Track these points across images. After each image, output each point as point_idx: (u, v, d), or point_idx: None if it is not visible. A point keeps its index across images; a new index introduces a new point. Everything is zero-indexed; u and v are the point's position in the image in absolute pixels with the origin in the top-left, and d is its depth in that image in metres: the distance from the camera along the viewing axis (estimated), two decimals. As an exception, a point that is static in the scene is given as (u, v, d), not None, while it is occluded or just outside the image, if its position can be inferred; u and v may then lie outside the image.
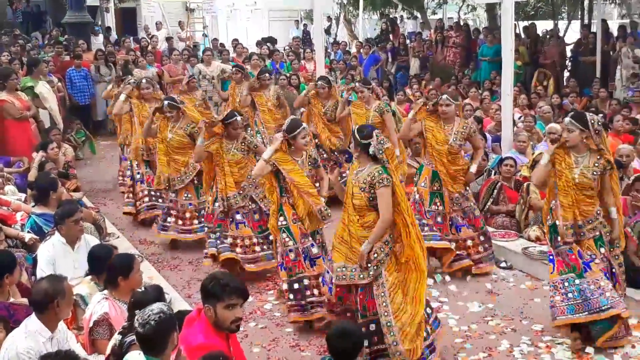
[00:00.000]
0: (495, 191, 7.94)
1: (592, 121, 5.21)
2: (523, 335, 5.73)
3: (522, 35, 16.05)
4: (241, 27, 24.97)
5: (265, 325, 6.00)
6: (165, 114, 7.70)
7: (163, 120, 7.76)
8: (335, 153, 9.23)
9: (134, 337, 4.01)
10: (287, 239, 5.73)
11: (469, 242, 6.87)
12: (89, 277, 5.06)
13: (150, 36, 17.20)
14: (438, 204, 6.79)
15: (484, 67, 14.89)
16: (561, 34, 16.24)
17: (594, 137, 5.20)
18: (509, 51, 8.74)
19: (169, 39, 16.70)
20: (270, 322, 6.04)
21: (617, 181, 5.43)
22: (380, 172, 4.88)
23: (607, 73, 13.90)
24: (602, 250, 5.34)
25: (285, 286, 5.75)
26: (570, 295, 5.30)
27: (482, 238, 6.92)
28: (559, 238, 5.36)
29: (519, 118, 10.82)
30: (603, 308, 5.18)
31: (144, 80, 9.00)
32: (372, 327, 4.99)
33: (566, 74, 15.49)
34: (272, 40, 16.59)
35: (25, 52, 13.76)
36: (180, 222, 7.70)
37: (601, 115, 10.18)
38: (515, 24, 15.95)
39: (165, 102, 7.70)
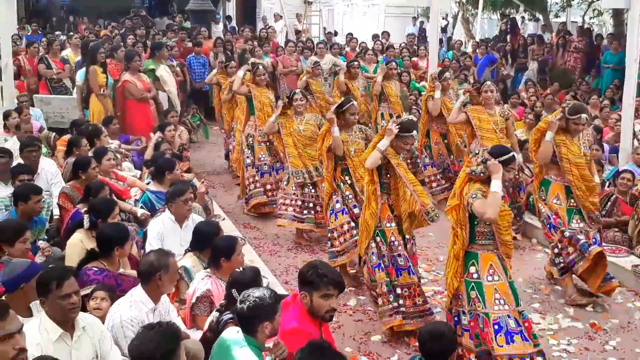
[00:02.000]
0: (609, 204, 7.59)
1: None
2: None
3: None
4: (357, 22, 25.03)
5: (360, 318, 6.01)
6: (291, 107, 7.82)
7: (283, 117, 7.83)
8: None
9: (230, 315, 4.15)
10: (380, 243, 5.62)
11: None
12: (191, 252, 5.22)
13: (267, 27, 17.55)
14: (577, 220, 6.36)
15: (607, 74, 14.24)
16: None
17: None
18: (633, 60, 8.32)
19: (297, 32, 16.93)
20: (364, 316, 6.05)
21: None
22: None
23: None
24: None
25: (384, 288, 5.55)
26: None
27: None
28: None
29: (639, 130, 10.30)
30: None
31: (260, 67, 9.19)
32: None
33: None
34: (386, 36, 16.52)
35: (150, 36, 14.37)
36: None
37: None
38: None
39: (297, 91, 7.95)
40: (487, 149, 4.86)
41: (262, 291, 3.76)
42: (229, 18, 20.47)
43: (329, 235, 6.66)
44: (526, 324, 4.70)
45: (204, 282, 4.75)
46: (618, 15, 17.76)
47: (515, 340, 4.58)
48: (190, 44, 13.98)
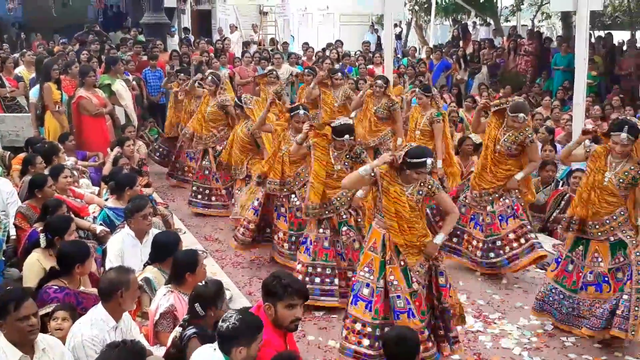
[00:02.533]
0: (563, 202, 7.79)
1: None
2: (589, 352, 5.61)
3: (597, 46, 15.63)
4: (313, 31, 25.19)
5: (325, 326, 6.04)
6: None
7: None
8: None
9: (194, 329, 4.15)
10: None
11: (474, 242, 7.00)
12: (151, 265, 5.19)
13: (223, 38, 17.54)
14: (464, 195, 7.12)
15: (557, 76, 14.61)
16: (639, 45, 15.72)
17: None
18: (582, 60, 8.56)
19: (246, 44, 17.00)
20: (328, 324, 6.09)
21: None
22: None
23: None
24: (621, 254, 5.39)
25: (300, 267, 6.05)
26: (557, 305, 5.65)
27: (485, 246, 6.89)
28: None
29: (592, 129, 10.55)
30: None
31: (209, 77, 9.36)
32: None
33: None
34: (339, 44, 16.67)
35: (105, 50, 14.24)
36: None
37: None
38: (590, 34, 15.62)
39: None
40: (406, 147, 5.04)
41: (245, 316, 3.74)
42: (186, 30, 20.39)
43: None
44: (417, 303, 4.93)
45: (166, 297, 4.71)
46: (566, 17, 18.23)
47: (358, 305, 5.04)
48: (145, 58, 13.90)
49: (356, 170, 5.15)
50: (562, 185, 8.32)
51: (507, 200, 6.81)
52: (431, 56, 16.23)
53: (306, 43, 17.30)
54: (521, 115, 6.52)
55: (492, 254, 6.82)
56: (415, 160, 4.82)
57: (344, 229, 6.16)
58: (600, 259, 5.47)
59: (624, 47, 15.82)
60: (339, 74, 10.34)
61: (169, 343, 4.33)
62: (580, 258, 5.60)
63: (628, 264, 5.35)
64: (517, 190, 6.85)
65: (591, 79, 12.93)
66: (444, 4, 21.12)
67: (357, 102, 9.61)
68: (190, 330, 4.16)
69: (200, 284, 4.39)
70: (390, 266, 4.98)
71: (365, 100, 9.41)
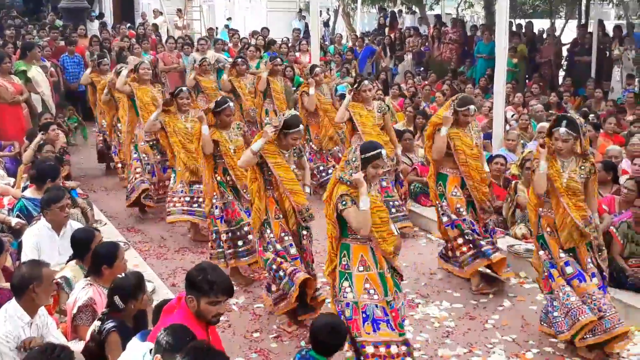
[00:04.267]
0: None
1: (581, 124, 5.20)
2: (509, 333, 5.75)
3: (518, 34, 16.04)
4: (239, 17, 24.92)
5: (250, 318, 6.00)
6: (174, 104, 7.71)
7: (167, 114, 7.69)
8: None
9: (113, 323, 4.04)
10: (270, 234, 5.65)
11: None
12: (73, 261, 5.06)
13: (144, 23, 17.15)
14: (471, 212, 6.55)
15: (480, 64, 14.91)
16: (557, 33, 16.23)
17: (583, 141, 5.19)
18: (502, 49, 8.74)
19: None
20: (252, 315, 6.05)
21: (596, 185, 5.40)
22: None
23: (602, 73, 13.92)
24: (590, 253, 5.34)
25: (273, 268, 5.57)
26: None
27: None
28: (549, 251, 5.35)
29: (512, 116, 10.85)
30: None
31: (144, 62, 9.02)
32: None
33: (562, 73, 15.51)
34: (265, 32, 16.55)
35: (20, 36, 13.71)
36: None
37: (593, 115, 10.24)
38: (511, 22, 16.02)
39: (183, 88, 7.82)
40: (360, 144, 4.88)
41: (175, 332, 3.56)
42: (101, 15, 19.81)
43: (215, 236, 6.66)
44: (393, 314, 4.78)
45: (85, 290, 4.58)
46: (489, 6, 18.62)
47: (381, 327, 4.70)
48: (63, 43, 13.44)
49: (360, 210, 4.61)
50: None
51: None
52: (356, 43, 16.31)
53: (232, 29, 17.09)
54: (472, 107, 6.42)
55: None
56: (370, 153, 4.69)
57: (304, 232, 5.80)
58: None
59: (544, 36, 16.30)
60: (278, 59, 10.32)
61: (87, 337, 4.21)
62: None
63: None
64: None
65: (512, 66, 13.27)
66: (370, -9, 21.27)
67: (310, 101, 9.28)
68: (110, 324, 4.06)
69: (119, 275, 4.28)
70: (387, 276, 4.86)
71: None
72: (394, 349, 4.71)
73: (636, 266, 6.00)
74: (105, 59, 10.52)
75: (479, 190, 6.45)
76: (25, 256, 5.33)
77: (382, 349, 4.70)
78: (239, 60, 10.60)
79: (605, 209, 6.58)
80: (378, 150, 4.72)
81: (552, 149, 5.25)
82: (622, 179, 7.27)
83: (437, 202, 6.59)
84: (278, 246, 5.60)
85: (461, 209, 6.41)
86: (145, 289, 4.41)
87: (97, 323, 4.15)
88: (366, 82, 7.85)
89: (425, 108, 11.57)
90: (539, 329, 5.62)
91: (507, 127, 9.74)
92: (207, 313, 3.81)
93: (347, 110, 7.78)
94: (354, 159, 4.68)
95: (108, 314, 4.14)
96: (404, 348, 4.76)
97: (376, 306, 4.74)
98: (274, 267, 5.57)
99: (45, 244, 5.51)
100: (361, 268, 4.77)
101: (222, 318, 4.12)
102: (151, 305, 4.67)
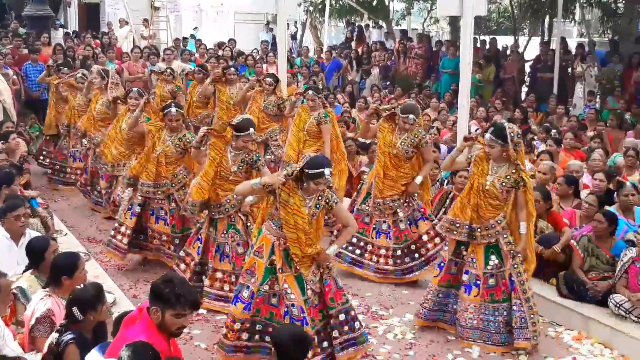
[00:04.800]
0: (448, 201, 8.02)
1: (512, 134, 5.35)
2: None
3: (482, 50, 16.27)
4: (207, 29, 24.85)
5: (213, 329, 5.93)
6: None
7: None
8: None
9: (71, 335, 3.96)
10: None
11: (382, 251, 6.99)
12: (29, 271, 4.97)
13: (109, 32, 17.02)
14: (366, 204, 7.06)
15: (445, 79, 15.07)
16: (521, 50, 16.51)
17: (511, 151, 5.35)
18: (467, 64, 8.82)
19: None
20: (215, 327, 5.98)
21: (532, 198, 5.54)
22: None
23: (564, 90, 14.18)
24: (494, 259, 5.56)
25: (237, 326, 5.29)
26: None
27: (398, 252, 6.96)
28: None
29: (476, 130, 10.96)
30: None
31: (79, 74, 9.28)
32: (342, 316, 5.05)
33: (525, 89, 15.76)
34: (232, 43, 16.54)
35: (-17, 43, 13.49)
36: None
37: (555, 131, 10.41)
38: (476, 38, 16.25)
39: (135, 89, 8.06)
40: (310, 156, 4.96)
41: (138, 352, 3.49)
42: (63, 26, 19.61)
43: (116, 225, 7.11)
44: (310, 315, 4.93)
45: (43, 301, 4.50)
46: (454, 22, 18.89)
47: (237, 305, 5.05)
48: (26, 51, 13.24)
49: (248, 181, 5.18)
50: (446, 184, 8.57)
51: (412, 204, 6.94)
52: (322, 55, 16.36)
53: (199, 40, 17.03)
54: (411, 116, 6.67)
55: (407, 259, 6.93)
56: (313, 170, 4.78)
57: (231, 231, 6.07)
58: (475, 261, 5.61)
59: (508, 52, 16.56)
60: (232, 69, 10.22)
61: (45, 349, 4.12)
62: (465, 259, 5.71)
63: (503, 272, 5.56)
64: (417, 193, 6.99)
65: (476, 81, 13.44)
66: (337, 5, 21.38)
67: (242, 95, 9.60)
68: (68, 336, 3.99)
69: (78, 287, 4.20)
70: (283, 274, 4.94)
71: (253, 96, 9.34)
72: (237, 325, 5.06)
73: (596, 279, 6.10)
74: (65, 69, 10.43)
75: (381, 188, 6.88)
76: (-18, 266, 5.22)
77: (235, 324, 5.05)
78: (197, 69, 10.66)
79: (566, 223, 6.69)
80: (321, 171, 4.78)
81: (485, 151, 5.53)
82: (583, 194, 7.40)
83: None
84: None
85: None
86: (105, 300, 4.35)
87: (55, 335, 4.07)
88: (311, 92, 8.22)
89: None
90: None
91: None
92: (171, 325, 3.76)
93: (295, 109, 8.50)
94: (298, 168, 4.85)
95: (66, 326, 4.06)
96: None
97: (247, 288, 5.02)
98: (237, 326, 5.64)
99: (3, 253, 5.45)
100: (256, 253, 5.05)
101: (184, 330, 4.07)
102: (111, 317, 4.60)
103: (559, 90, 13.82)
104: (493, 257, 5.57)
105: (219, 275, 6.11)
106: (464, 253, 5.70)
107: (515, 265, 5.52)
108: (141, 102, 7.48)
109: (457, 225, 5.63)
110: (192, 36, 19.51)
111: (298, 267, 4.95)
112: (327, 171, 4.79)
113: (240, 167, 5.94)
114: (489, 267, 5.58)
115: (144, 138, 7.44)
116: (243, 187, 5.17)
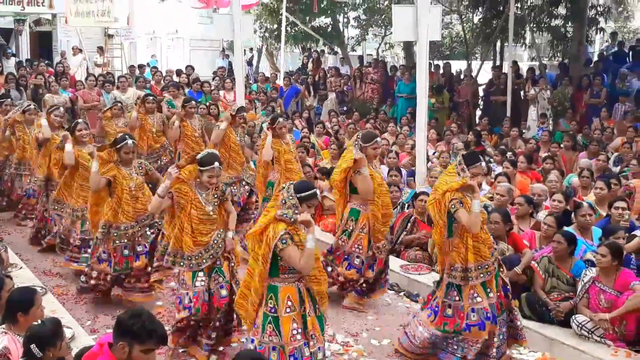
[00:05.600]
0: (410, 224, 8.06)
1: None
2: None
3: (436, 74, 16.51)
4: (162, 55, 24.71)
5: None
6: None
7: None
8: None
9: (29, 374, 3.82)
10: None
11: None
12: (-17, 309, 4.79)
13: (62, 61, 16.80)
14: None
15: (401, 103, 15.25)
16: (474, 74, 16.82)
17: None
18: (423, 88, 8.96)
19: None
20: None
21: None
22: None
23: (517, 112, 14.46)
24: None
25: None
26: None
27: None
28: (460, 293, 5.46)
29: (433, 153, 11.10)
30: None
31: (60, 109, 8.91)
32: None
33: (478, 112, 16.03)
34: (189, 70, 16.47)
35: None
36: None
37: (511, 153, 10.59)
38: (430, 63, 16.52)
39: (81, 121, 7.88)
40: (292, 184, 4.78)
41: None
42: (15, 55, 19.30)
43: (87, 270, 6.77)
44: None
45: (-1, 339, 4.34)
46: (408, 47, 19.15)
47: None
48: (-24, 81, 12.98)
49: (302, 251, 4.58)
50: (407, 208, 8.61)
51: None
52: (281, 82, 16.42)
53: (154, 67, 16.93)
54: (378, 139, 6.67)
55: None
56: (305, 193, 4.66)
57: (214, 274, 5.66)
58: (477, 295, 5.40)
59: (462, 76, 16.85)
60: (192, 102, 10.03)
61: (1, 390, 3.97)
62: (458, 299, 5.48)
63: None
64: None
65: (431, 105, 13.63)
66: (293, 32, 21.51)
67: (217, 134, 8.92)
68: (26, 375, 3.84)
69: (35, 323, 4.06)
70: (309, 318, 4.76)
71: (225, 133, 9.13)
72: None
73: (558, 299, 6.16)
74: (7, 100, 10.23)
75: (378, 229, 6.63)
76: None
77: None
78: (150, 98, 10.48)
79: (526, 244, 6.76)
80: (313, 191, 4.72)
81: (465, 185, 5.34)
82: (541, 215, 7.51)
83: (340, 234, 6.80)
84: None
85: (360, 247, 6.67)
86: (63, 336, 4.21)
87: (12, 374, 3.92)
88: (281, 119, 8.27)
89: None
90: None
91: (430, 164, 9.94)
92: None
93: (271, 149, 7.95)
94: (290, 198, 4.64)
95: (24, 364, 3.92)
96: None
97: (305, 344, 4.69)
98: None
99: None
100: (288, 310, 4.69)
101: None
102: (70, 353, 4.46)
103: (513, 112, 14.10)
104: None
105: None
106: (455, 292, 5.50)
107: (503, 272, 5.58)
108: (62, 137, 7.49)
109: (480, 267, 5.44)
110: (148, 64, 19.36)
111: (318, 306, 4.84)
112: (317, 191, 4.79)
113: (215, 204, 5.67)
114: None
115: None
116: (307, 256, 4.59)
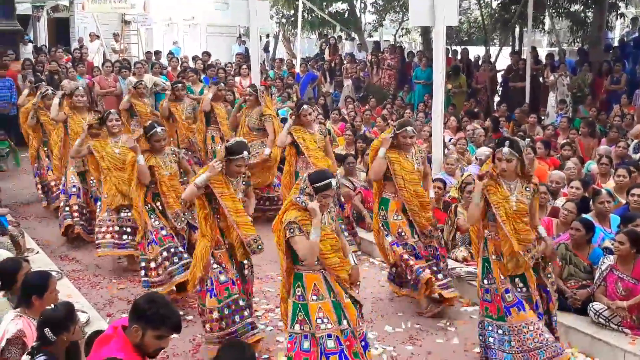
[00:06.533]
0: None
1: (523, 147, 5.25)
2: (452, 358, 5.72)
3: (454, 60, 16.38)
4: (179, 41, 24.73)
5: (190, 348, 5.81)
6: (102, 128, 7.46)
7: (95, 139, 7.45)
8: None
9: (44, 357, 3.84)
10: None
11: None
12: (1, 293, 4.83)
13: (81, 46, 16.85)
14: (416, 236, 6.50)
15: (418, 89, 15.14)
16: (492, 60, 16.66)
17: (526, 163, 5.22)
18: (439, 74, 8.85)
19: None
20: (192, 344, 5.87)
21: (538, 202, 5.46)
22: None
23: (536, 99, 14.31)
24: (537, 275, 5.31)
25: (215, 315, 5.38)
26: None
27: None
28: (492, 275, 5.27)
29: (450, 140, 11.01)
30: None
31: (80, 88, 8.73)
32: None
33: (497, 98, 15.88)
34: (205, 56, 16.45)
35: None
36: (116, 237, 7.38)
37: (529, 140, 10.47)
38: (448, 49, 16.37)
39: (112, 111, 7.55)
40: (308, 174, 4.81)
41: None
42: (32, 41, 19.41)
43: (144, 264, 6.46)
44: (347, 343, 4.69)
45: (14, 322, 4.36)
46: (425, 33, 19.00)
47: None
48: (-7, 67, 13.07)
49: (308, 241, 4.57)
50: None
51: None
52: (298, 68, 16.36)
53: (171, 53, 16.93)
54: (409, 128, 6.43)
55: None
56: (319, 183, 4.66)
57: (246, 262, 5.63)
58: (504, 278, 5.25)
59: (480, 62, 16.69)
60: (221, 84, 10.30)
61: (16, 372, 4.00)
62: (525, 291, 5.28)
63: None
64: None
65: (449, 92, 13.52)
66: (310, 18, 21.43)
67: (232, 120, 9.28)
68: (41, 358, 3.87)
69: (48, 307, 4.08)
70: (344, 304, 4.75)
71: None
72: None
73: (575, 287, 6.09)
74: (41, 84, 10.17)
75: (419, 215, 6.43)
76: (-51, 288, 5.06)
77: None
78: (179, 85, 10.34)
79: (543, 231, 6.67)
80: (328, 181, 4.68)
81: (495, 174, 5.21)
82: (559, 202, 7.43)
83: (379, 225, 6.55)
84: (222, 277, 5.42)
85: (403, 233, 6.38)
86: (76, 319, 4.23)
87: (26, 357, 3.94)
88: (305, 106, 7.82)
89: (365, 132, 11.65)
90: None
91: (446, 150, 9.85)
92: (150, 346, 3.64)
93: (290, 134, 7.75)
94: (305, 187, 4.68)
95: (38, 348, 3.94)
96: None
97: (329, 336, 4.66)
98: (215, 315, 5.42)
99: (-29, 274, 5.26)
100: (315, 297, 4.69)
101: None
102: (83, 337, 4.48)
103: (531, 99, 13.96)
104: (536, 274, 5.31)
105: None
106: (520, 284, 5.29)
107: (549, 275, 5.38)
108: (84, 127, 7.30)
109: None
110: (171, 52, 19.38)
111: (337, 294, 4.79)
112: (333, 181, 4.74)
113: (243, 191, 5.63)
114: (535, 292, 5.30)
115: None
116: (310, 247, 4.59)
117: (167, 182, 6.46)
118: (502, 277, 5.22)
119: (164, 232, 6.41)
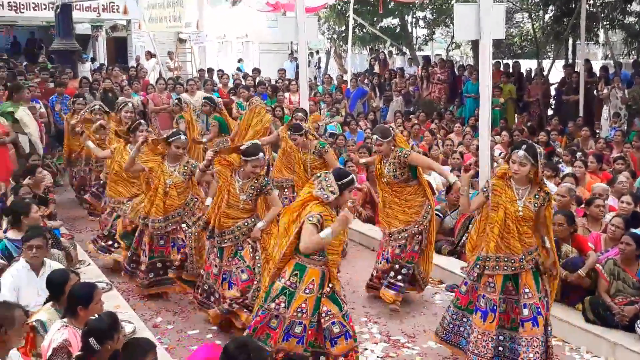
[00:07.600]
0: (471, 226, 7.90)
1: (541, 154, 5.17)
2: None
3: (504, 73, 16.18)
4: (232, 59, 25.15)
5: None
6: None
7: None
8: None
9: (87, 366, 3.96)
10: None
11: None
12: (49, 303, 4.99)
13: (137, 65, 17.31)
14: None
15: (469, 103, 15.01)
16: (545, 73, 16.41)
17: (539, 170, 5.15)
18: (486, 87, 8.76)
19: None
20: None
21: (551, 212, 5.34)
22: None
23: (590, 112, 14.03)
24: (539, 281, 5.27)
25: None
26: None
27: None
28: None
29: (500, 154, 10.86)
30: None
31: (129, 104, 9.01)
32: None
33: (550, 112, 15.62)
34: (256, 73, 16.70)
35: (13, 77, 13.76)
36: None
37: (581, 153, 10.27)
38: (499, 62, 16.19)
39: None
40: (328, 172, 5.00)
41: None
42: (94, 59, 20.06)
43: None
44: (351, 324, 4.97)
45: (60, 332, 4.50)
46: (476, 46, 18.81)
47: (289, 341, 4.88)
48: (52, 85, 13.51)
49: (317, 235, 4.69)
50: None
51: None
52: (343, 83, 16.46)
53: (221, 70, 17.23)
54: (374, 136, 6.68)
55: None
56: (345, 179, 4.89)
57: (236, 258, 5.95)
58: (528, 291, 5.22)
59: (532, 75, 16.45)
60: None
61: (62, 380, 4.12)
62: (514, 294, 5.27)
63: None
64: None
65: (497, 103, 13.37)
66: (361, 33, 21.51)
67: (272, 138, 9.13)
68: (85, 367, 3.97)
69: (92, 317, 4.20)
70: (323, 298, 4.93)
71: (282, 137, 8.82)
72: None
73: (623, 303, 5.94)
74: (80, 99, 10.66)
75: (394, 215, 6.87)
76: (4, 298, 5.25)
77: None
78: (204, 100, 10.54)
79: (591, 247, 6.55)
80: (352, 177, 4.95)
81: (507, 175, 5.21)
82: (608, 217, 7.26)
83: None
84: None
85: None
86: (120, 329, 4.34)
87: (72, 366, 4.07)
88: (375, 136, 7.06)
89: (413, 146, 11.60)
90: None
91: (495, 165, 9.73)
92: None
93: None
94: (328, 185, 4.83)
95: (83, 357, 4.06)
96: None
97: (300, 323, 4.88)
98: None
99: (24, 284, 5.48)
100: (307, 291, 4.89)
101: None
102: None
103: (585, 112, 13.67)
104: (540, 279, 5.27)
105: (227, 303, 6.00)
106: (512, 288, 5.29)
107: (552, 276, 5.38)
108: (140, 140, 7.14)
109: (506, 259, 5.22)
110: (239, 69, 19.78)
111: (333, 285, 4.99)
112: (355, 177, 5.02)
113: (250, 195, 5.93)
114: (541, 292, 5.28)
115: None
116: (313, 243, 4.73)
117: (163, 188, 6.71)
118: (489, 281, 5.24)
119: (214, 271, 6.27)
